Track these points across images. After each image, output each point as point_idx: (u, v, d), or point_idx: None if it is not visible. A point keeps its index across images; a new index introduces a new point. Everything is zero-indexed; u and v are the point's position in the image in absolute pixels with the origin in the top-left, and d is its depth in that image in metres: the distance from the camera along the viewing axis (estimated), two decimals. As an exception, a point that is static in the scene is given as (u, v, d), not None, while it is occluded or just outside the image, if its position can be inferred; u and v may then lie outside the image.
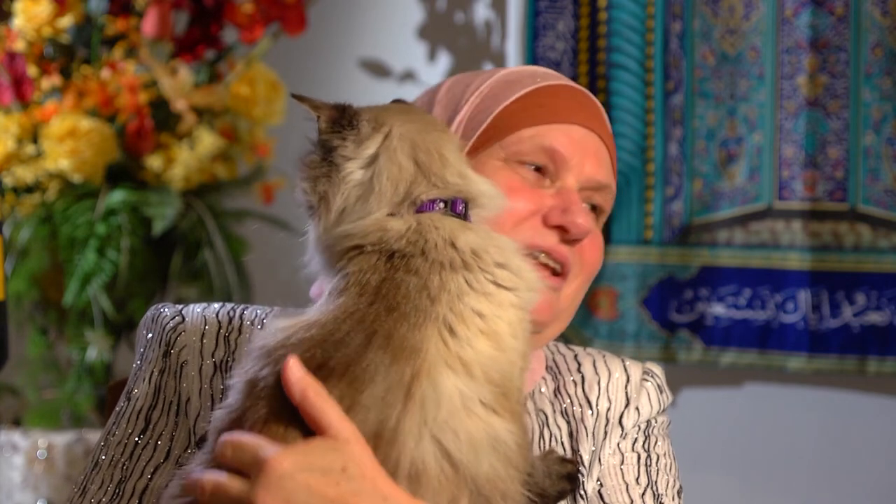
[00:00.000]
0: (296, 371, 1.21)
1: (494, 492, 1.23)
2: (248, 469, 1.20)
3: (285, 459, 1.19)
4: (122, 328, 2.87)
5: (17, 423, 2.87)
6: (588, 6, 2.92)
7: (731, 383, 2.90)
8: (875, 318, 2.71)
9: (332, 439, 1.20)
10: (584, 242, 1.46)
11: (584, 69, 2.93)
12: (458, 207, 1.30)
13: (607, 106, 2.90)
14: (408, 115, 1.34)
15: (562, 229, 1.44)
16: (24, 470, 2.76)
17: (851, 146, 2.73)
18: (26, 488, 2.76)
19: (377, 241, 1.26)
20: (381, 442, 1.20)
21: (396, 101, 1.42)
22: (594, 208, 1.49)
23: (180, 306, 1.51)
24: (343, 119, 1.31)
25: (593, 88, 2.91)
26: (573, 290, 1.48)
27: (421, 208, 1.28)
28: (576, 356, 1.55)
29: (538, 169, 1.45)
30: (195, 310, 1.50)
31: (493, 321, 1.25)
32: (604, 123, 1.50)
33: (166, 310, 1.51)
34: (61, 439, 2.76)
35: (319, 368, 1.21)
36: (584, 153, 1.46)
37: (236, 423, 1.23)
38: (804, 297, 2.76)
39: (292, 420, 1.22)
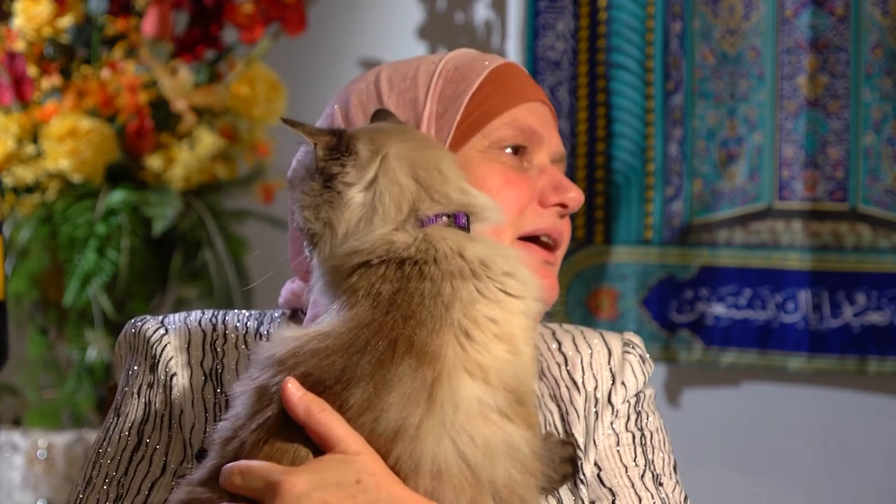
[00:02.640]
0: (295, 391, 1.21)
1: (513, 497, 1.23)
2: (261, 495, 1.19)
3: (299, 480, 1.18)
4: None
5: (17, 423, 2.87)
6: (588, 6, 2.92)
7: (731, 383, 2.90)
8: (875, 318, 2.71)
9: (342, 453, 1.19)
10: None
11: (584, 69, 2.93)
12: (460, 220, 1.30)
13: (607, 106, 2.90)
14: (402, 134, 1.34)
15: (559, 206, 1.46)
16: (24, 470, 2.76)
17: (851, 146, 2.73)
18: (26, 488, 2.76)
19: (385, 252, 1.25)
20: (405, 437, 1.20)
21: (380, 112, 1.41)
22: None
23: (160, 317, 1.50)
24: (340, 145, 1.30)
25: (593, 88, 2.91)
26: (559, 261, 1.51)
27: (425, 223, 1.28)
28: (554, 334, 1.54)
29: (515, 151, 1.46)
30: (176, 320, 1.49)
31: (506, 326, 1.25)
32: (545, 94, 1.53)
33: (147, 322, 1.49)
34: (61, 439, 2.76)
35: (343, 373, 1.21)
36: (548, 128, 1.49)
37: (244, 427, 1.23)
38: (804, 297, 2.76)
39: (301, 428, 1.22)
